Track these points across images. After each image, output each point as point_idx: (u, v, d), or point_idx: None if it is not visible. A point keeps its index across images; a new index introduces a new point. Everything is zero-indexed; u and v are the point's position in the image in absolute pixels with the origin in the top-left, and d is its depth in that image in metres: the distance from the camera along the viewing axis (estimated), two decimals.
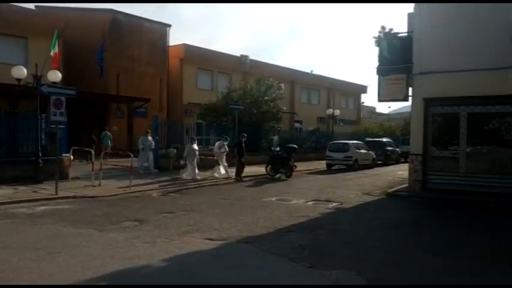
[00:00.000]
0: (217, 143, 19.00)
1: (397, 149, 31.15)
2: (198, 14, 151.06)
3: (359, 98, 60.22)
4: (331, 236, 8.64)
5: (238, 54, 40.33)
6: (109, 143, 25.77)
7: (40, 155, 15.40)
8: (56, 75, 16.02)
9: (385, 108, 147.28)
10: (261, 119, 26.99)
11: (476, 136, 14.59)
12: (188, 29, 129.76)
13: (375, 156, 27.04)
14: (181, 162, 17.92)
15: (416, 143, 15.35)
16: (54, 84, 15.44)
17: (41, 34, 25.02)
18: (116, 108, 31.00)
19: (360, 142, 27.31)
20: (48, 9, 31.70)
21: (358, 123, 56.81)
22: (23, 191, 13.30)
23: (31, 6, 30.20)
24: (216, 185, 16.97)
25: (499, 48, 13.58)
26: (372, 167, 26.22)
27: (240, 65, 39.40)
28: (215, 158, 18.77)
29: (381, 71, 15.93)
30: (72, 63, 28.34)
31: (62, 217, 10.00)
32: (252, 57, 40.74)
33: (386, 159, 28.77)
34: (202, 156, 20.03)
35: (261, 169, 20.21)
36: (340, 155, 25.07)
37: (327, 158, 25.56)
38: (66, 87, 14.12)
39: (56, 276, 5.95)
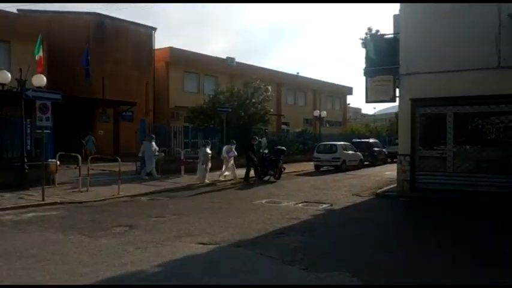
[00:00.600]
0: (225, 147, 18.99)
1: (383, 150, 31.40)
2: (183, 16, 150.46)
3: (345, 99, 60.97)
4: (323, 238, 8.63)
5: (224, 57, 40.27)
6: (93, 147, 25.50)
7: (25, 160, 15.14)
8: (40, 80, 15.78)
9: (371, 109, 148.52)
10: (249, 121, 26.98)
11: (462, 136, 14.75)
12: (174, 32, 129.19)
13: (362, 157, 27.21)
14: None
15: (404, 144, 15.45)
16: (39, 88, 15.20)
17: (24, 38, 24.67)
18: (101, 112, 30.70)
19: (347, 143, 27.46)
20: (31, 13, 31.29)
21: (344, 124, 57.34)
22: (9, 198, 13.05)
23: (13, 9, 29.77)
24: (206, 190, 16.85)
25: (484, 49, 13.74)
26: (360, 168, 26.34)
27: (226, 67, 39.35)
28: (224, 161, 18.92)
29: (368, 73, 16.03)
30: (56, 67, 27.98)
31: (50, 224, 9.83)
32: (238, 59, 40.72)
33: (373, 159, 28.97)
34: (190, 160, 19.88)
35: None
36: (328, 156, 25.16)
37: (315, 160, 25.60)
38: (52, 92, 13.91)
39: (48, 284, 5.81)
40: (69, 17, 31.96)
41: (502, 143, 14.15)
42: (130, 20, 34.76)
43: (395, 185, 16.04)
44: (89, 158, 17.14)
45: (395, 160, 23.16)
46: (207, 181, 17.52)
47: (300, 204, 12.81)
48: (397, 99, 15.87)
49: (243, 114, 26.36)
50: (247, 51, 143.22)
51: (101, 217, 10.61)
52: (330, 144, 26.31)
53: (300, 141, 32.99)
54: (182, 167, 19.40)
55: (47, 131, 14.27)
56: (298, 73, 51.67)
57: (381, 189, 15.94)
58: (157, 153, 18.81)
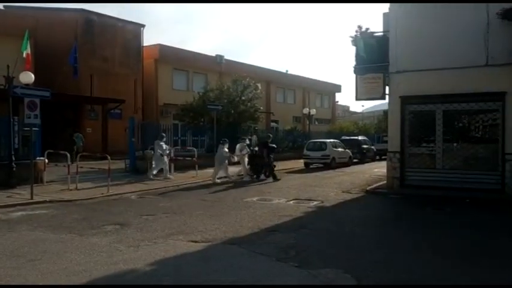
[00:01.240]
0: (238, 145, 19.00)
1: (372, 147, 31.61)
2: (172, 14, 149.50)
3: (333, 97, 61.35)
4: (315, 235, 8.66)
5: (213, 54, 40.17)
6: (81, 145, 25.34)
7: (13, 159, 14.95)
8: (28, 77, 15.54)
9: (359, 107, 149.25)
10: (238, 119, 26.98)
11: (451, 133, 14.90)
12: (162, 29, 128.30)
13: (351, 155, 27.36)
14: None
15: (394, 141, 15.56)
16: (26, 86, 15.00)
17: (11, 34, 24.36)
18: (89, 109, 30.47)
19: (336, 141, 27.56)
20: (17, 9, 30.86)
21: (333, 122, 57.80)
22: None
23: None
24: (195, 186, 16.83)
25: (472, 47, 13.88)
26: (349, 165, 26.49)
27: (216, 65, 39.26)
28: (237, 160, 19.04)
29: (358, 70, 16.08)
30: (44, 64, 27.68)
31: (40, 222, 9.73)
32: (227, 57, 40.64)
33: (362, 157, 29.17)
34: (179, 158, 19.85)
35: (239, 169, 20.17)
36: (318, 154, 25.25)
37: (305, 157, 25.65)
38: (40, 89, 13.73)
39: (39, 284, 5.75)
40: (57, 14, 31.61)
41: (490, 141, 14.32)
42: (118, 17, 34.49)
43: (384, 182, 16.14)
44: (78, 155, 16.96)
45: (384, 157, 23.49)
46: (217, 181, 17.33)
47: (291, 202, 12.84)
48: (387, 96, 15.89)
49: (232, 112, 26.38)
50: (236, 49, 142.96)
51: (92, 215, 10.53)
52: (320, 141, 26.38)
53: (290, 139, 33.07)
54: (172, 165, 19.32)
55: (35, 128, 14.09)
56: (287, 71, 51.85)
57: (371, 186, 16.05)
58: (168, 152, 18.41)
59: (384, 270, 6.41)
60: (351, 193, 14.74)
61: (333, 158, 25.36)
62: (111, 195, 13.90)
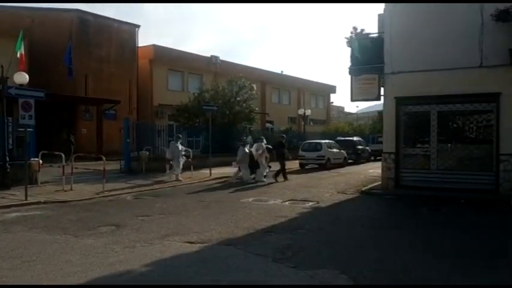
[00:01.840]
0: (255, 145, 18.80)
1: (367, 148, 31.70)
2: (167, 14, 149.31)
3: (328, 97, 61.48)
4: (311, 236, 8.68)
5: (208, 55, 40.17)
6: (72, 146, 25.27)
7: (7, 159, 14.86)
8: (22, 77, 15.43)
9: (354, 107, 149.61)
10: (233, 119, 26.98)
11: (446, 134, 14.97)
12: (157, 30, 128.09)
13: (346, 155, 27.44)
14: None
15: (389, 142, 15.61)
16: (21, 86, 14.91)
17: (5, 35, 24.23)
18: (84, 110, 30.38)
19: (331, 141, 27.61)
20: (12, 9, 30.72)
21: (328, 122, 58.07)
22: None
23: None
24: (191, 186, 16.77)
25: (467, 48, 13.95)
26: (344, 166, 26.58)
27: (211, 65, 39.26)
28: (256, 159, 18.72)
29: (353, 71, 16.13)
30: (38, 64, 27.58)
31: (35, 223, 9.69)
32: (222, 57, 40.67)
33: (357, 158, 29.23)
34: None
35: (234, 170, 20.21)
36: (313, 155, 25.30)
37: (300, 158, 25.65)
38: (35, 89, 13.66)
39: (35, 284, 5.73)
40: (52, 14, 31.51)
41: (484, 141, 14.40)
42: (113, 17, 34.42)
43: (379, 182, 16.19)
44: (72, 156, 16.89)
45: (378, 158, 24.68)
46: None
47: (287, 203, 12.85)
48: (382, 97, 15.95)
49: (227, 112, 26.39)
50: (232, 50, 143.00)
51: (86, 216, 10.50)
52: (315, 142, 26.38)
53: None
54: (167, 166, 19.27)
55: (30, 129, 14.01)
56: (282, 71, 51.90)
57: (366, 187, 16.09)
58: (184, 153, 18.36)
59: (381, 271, 6.42)
60: (346, 194, 14.78)
61: (328, 159, 25.45)
62: (107, 196, 13.86)
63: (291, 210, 11.52)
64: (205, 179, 18.41)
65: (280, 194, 14.57)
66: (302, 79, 53.67)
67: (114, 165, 20.07)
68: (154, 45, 35.85)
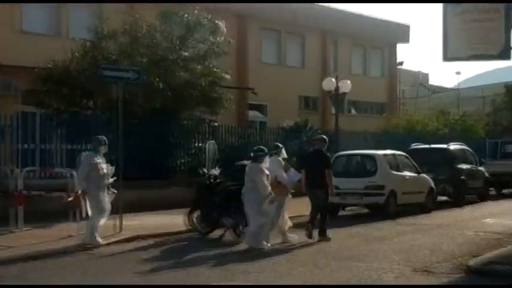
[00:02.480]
0: (267, 159, 9.72)
1: (481, 169, 18.22)
2: None
3: (392, 54, 33.01)
4: None
5: None
6: None
7: None
8: None
9: (451, 75, 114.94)
10: (174, 102, 14.61)
11: None
12: None
13: (433, 185, 15.04)
14: None
15: None
16: None
17: None
18: None
19: (398, 153, 15.28)
20: None
21: (391, 109, 32.25)
22: None
23: None
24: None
25: None
26: (428, 210, 14.90)
27: None
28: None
29: None
30: None
31: None
32: None
33: (457, 191, 16.24)
34: (36, 193, 10.91)
35: (174, 219, 11.60)
36: (357, 183, 14.03)
37: None
38: None
39: None
40: None
41: None
42: None
43: (509, 247, 9.69)
44: None
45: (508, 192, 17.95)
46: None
47: None
48: None
49: (161, 86, 13.80)
50: None
51: None
52: (361, 154, 15.10)
53: (293, 147, 18.50)
54: (19, 209, 10.36)
55: None
56: None
57: (479, 258, 8.85)
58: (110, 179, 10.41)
59: None
60: (432, 274, 7.89)
61: (392, 193, 13.93)
62: None
63: None
64: (113, 243, 9.66)
65: (287, 271, 7.83)
66: (332, 10, 28.57)
67: None
68: None
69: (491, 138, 24.27)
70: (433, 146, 17.49)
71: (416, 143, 17.95)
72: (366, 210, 14.23)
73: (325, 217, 10.26)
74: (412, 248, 9.86)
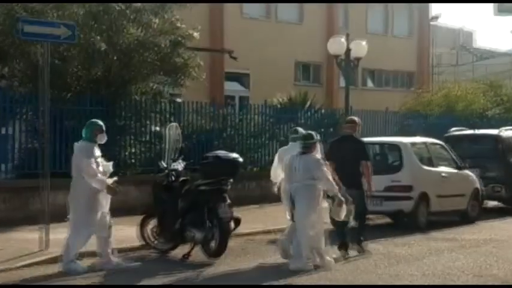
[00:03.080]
0: (320, 147, 8.89)
1: None
2: None
3: (424, 6, 28.71)
4: None
5: None
6: None
7: None
8: None
9: (505, 35, 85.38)
10: (122, 70, 12.51)
11: None
12: None
13: (479, 185, 12.92)
14: None
15: None
16: None
17: None
18: None
19: (433, 142, 13.16)
20: None
21: (423, 81, 27.24)
22: None
23: None
24: None
25: None
26: (472, 220, 12.67)
27: None
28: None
29: None
30: None
31: None
32: None
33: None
34: None
35: (122, 231, 9.01)
36: (376, 183, 10.62)
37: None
38: None
39: None
40: None
41: None
42: None
43: None
44: None
45: None
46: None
47: None
48: None
49: (104, 48, 11.60)
50: None
51: None
52: (380, 144, 12.95)
53: (287, 132, 15.65)
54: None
55: None
56: None
57: None
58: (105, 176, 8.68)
59: None
60: None
61: (423, 197, 11.70)
62: None
63: None
64: (34, 264, 7.86)
65: None
66: None
67: None
68: None
69: None
70: (479, 131, 15.02)
71: (457, 128, 15.44)
72: (387, 220, 11.83)
73: (364, 225, 9.28)
74: (449, 271, 8.22)
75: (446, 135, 14.30)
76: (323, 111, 16.39)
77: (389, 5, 26.44)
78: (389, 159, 11.71)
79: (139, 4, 12.38)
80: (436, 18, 29.42)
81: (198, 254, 8.16)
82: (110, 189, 7.47)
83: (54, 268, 7.62)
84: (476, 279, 7.64)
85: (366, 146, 9.52)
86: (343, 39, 15.14)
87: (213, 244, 7.83)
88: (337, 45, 15.23)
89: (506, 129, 14.96)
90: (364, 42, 15.36)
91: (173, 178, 8.49)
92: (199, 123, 13.69)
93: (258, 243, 9.73)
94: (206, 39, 17.45)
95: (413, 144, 11.81)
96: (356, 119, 9.88)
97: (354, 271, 7.97)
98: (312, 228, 7.90)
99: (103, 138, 7.79)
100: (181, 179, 8.51)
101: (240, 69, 20.71)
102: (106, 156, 11.21)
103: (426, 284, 7.12)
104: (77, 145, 7.83)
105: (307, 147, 8.23)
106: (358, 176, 8.77)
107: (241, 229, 8.79)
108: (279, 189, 9.23)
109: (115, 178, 7.98)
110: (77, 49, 11.09)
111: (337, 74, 20.63)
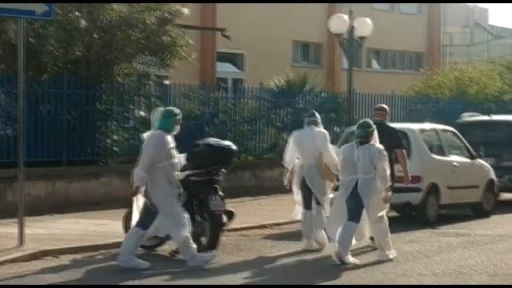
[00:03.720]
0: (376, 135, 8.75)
1: None
2: None
3: None
4: None
5: None
6: None
7: None
8: None
9: None
10: (104, 49, 12.13)
11: None
12: None
13: (494, 176, 12.76)
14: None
15: None
16: None
17: None
18: None
19: (444, 128, 12.84)
20: None
21: (433, 62, 25.52)
22: None
23: None
24: None
25: None
26: (487, 213, 12.49)
27: None
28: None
29: None
30: None
31: None
32: None
33: None
34: None
35: (104, 226, 9.96)
36: None
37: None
38: None
39: None
40: None
41: None
42: None
43: None
44: None
45: None
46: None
47: None
48: None
49: (85, 25, 11.45)
50: None
51: None
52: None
53: (282, 116, 15.17)
54: None
55: None
56: None
57: None
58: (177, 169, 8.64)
59: None
60: None
61: (433, 188, 11.50)
62: None
63: None
64: (7, 262, 7.54)
65: None
66: None
67: None
68: None
69: None
70: (494, 117, 14.39)
71: (470, 113, 14.91)
72: (393, 213, 10.90)
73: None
74: (461, 270, 8.22)
75: (458, 121, 13.91)
76: (324, 94, 15.70)
77: None
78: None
79: None
80: None
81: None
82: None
83: (29, 266, 7.31)
84: (490, 278, 7.55)
85: (398, 133, 9.37)
86: (346, 17, 14.72)
87: (203, 239, 7.67)
88: (339, 22, 14.89)
89: None
90: (368, 20, 14.91)
91: None
92: (188, 108, 13.15)
93: (252, 239, 9.45)
94: (197, 16, 16.92)
95: (422, 131, 11.44)
96: (385, 106, 9.77)
97: (357, 269, 7.74)
98: (381, 222, 8.06)
99: (177, 130, 7.78)
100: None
101: (233, 49, 20.09)
102: (89, 144, 10.82)
103: (436, 284, 6.87)
104: (150, 134, 7.69)
105: (367, 136, 8.15)
106: (390, 166, 8.62)
107: (234, 223, 8.53)
108: (290, 177, 8.98)
109: (187, 172, 7.80)
110: (54, 26, 10.45)
111: (339, 55, 20.39)
